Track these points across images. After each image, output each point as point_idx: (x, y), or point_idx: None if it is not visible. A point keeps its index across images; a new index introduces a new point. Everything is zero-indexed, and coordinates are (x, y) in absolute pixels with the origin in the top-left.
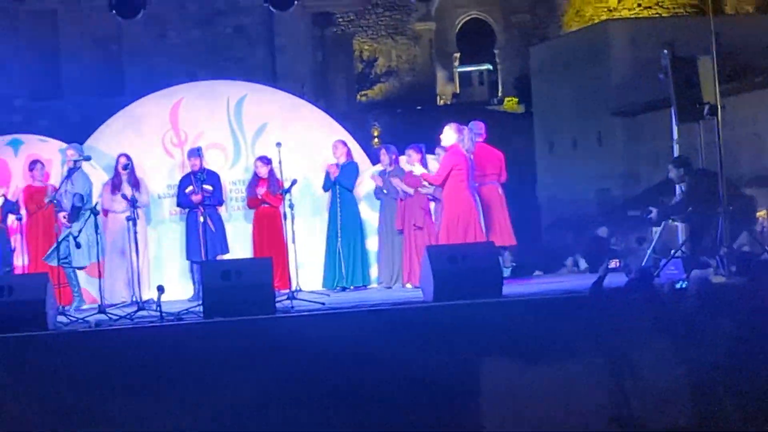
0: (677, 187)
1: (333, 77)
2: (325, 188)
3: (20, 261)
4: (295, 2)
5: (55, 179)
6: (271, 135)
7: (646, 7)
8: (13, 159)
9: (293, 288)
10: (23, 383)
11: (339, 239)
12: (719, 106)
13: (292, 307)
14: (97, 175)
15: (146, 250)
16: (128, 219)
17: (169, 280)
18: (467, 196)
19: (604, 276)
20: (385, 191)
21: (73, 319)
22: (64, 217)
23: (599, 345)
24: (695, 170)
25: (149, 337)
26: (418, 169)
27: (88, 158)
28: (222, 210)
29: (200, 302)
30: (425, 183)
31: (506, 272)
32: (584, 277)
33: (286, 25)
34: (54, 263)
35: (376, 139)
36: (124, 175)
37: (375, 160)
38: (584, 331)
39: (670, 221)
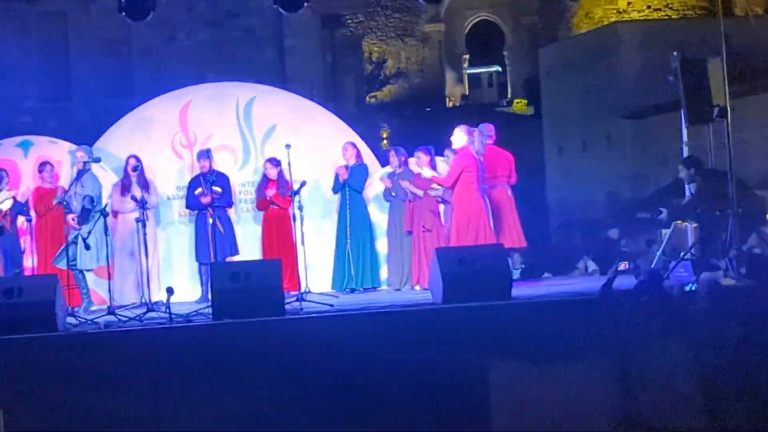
0: (687, 187)
1: (342, 79)
2: (335, 190)
3: (30, 262)
4: (305, 4)
5: (64, 181)
6: (281, 137)
7: (655, 9)
8: (23, 160)
9: (302, 290)
10: (33, 384)
11: (348, 241)
12: (729, 109)
13: (301, 308)
14: (107, 177)
15: (155, 251)
16: (137, 220)
17: (178, 281)
18: (477, 198)
19: (613, 278)
20: (393, 193)
21: (83, 320)
22: (73, 219)
23: (608, 347)
24: (705, 170)
25: (158, 339)
26: (427, 172)
27: (97, 160)
28: (231, 212)
29: (209, 304)
30: (435, 185)
31: (515, 274)
32: (594, 280)
33: (295, 27)
34: (63, 266)
35: (385, 141)
36: (134, 177)
37: (384, 161)
38: (594, 334)
39: (680, 222)
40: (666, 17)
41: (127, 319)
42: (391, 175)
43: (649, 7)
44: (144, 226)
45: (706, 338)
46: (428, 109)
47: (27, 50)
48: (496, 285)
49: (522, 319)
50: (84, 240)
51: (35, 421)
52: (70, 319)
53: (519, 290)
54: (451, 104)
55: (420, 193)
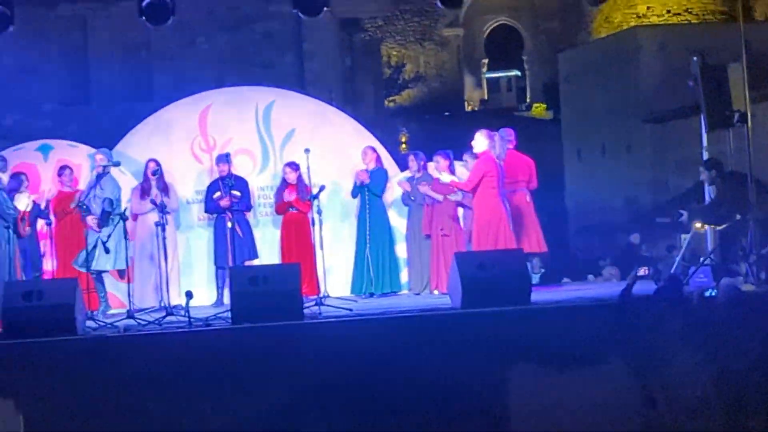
0: (707, 190)
1: (361, 83)
2: (354, 194)
3: (49, 266)
4: (324, 8)
5: (84, 184)
6: (300, 141)
7: (675, 14)
8: (43, 164)
9: (321, 294)
10: (52, 388)
11: (368, 245)
12: (749, 114)
13: (320, 313)
14: (126, 181)
15: (175, 255)
16: (157, 224)
17: (197, 285)
18: (498, 203)
19: (633, 283)
20: (412, 198)
21: (102, 324)
22: (93, 220)
23: (628, 353)
24: (726, 172)
25: (177, 343)
26: (446, 176)
27: (117, 164)
28: (250, 216)
29: (228, 308)
30: (455, 189)
31: (535, 279)
32: (613, 285)
33: (314, 31)
34: (83, 269)
35: (403, 145)
36: (153, 181)
37: (402, 165)
38: (613, 339)
39: (700, 227)
40: (686, 22)
41: (146, 322)
42: (410, 180)
43: (668, 11)
44: (163, 229)
45: (726, 344)
46: (447, 114)
47: (46, 54)
48: (515, 290)
49: (541, 324)
50: (104, 243)
51: (54, 425)
52: (90, 323)
53: (538, 295)
54: (469, 109)
55: (439, 197)
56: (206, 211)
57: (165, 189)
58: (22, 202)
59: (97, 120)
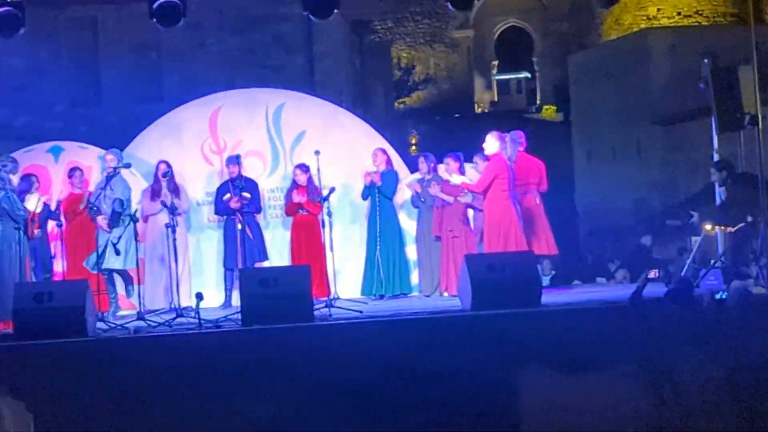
0: (718, 191)
1: (371, 85)
2: (364, 196)
3: (59, 267)
4: (335, 10)
5: (94, 186)
6: (310, 143)
7: (685, 16)
8: (54, 166)
9: (331, 296)
10: (62, 388)
11: (378, 247)
12: (760, 116)
13: (330, 315)
14: (137, 182)
15: (186, 257)
16: (167, 226)
17: (207, 287)
18: (509, 205)
19: (643, 286)
20: (423, 199)
21: (113, 325)
22: (104, 221)
23: (639, 355)
24: (737, 174)
25: (187, 345)
26: (457, 178)
27: (128, 165)
28: (259, 217)
29: (238, 309)
30: (465, 191)
31: (545, 281)
32: (623, 287)
33: (324, 33)
34: (94, 270)
35: (413, 147)
36: (164, 182)
37: (412, 167)
38: (623, 341)
39: (710, 229)
40: (696, 24)
41: (156, 324)
42: (420, 182)
43: (679, 13)
44: (174, 231)
45: (736, 346)
46: (457, 116)
47: (57, 56)
48: (525, 292)
49: (551, 326)
50: (114, 245)
51: (64, 425)
52: (100, 324)
53: (548, 297)
54: (479, 110)
55: (450, 199)
56: (216, 213)
57: (176, 190)
58: (32, 203)
59: (108, 121)
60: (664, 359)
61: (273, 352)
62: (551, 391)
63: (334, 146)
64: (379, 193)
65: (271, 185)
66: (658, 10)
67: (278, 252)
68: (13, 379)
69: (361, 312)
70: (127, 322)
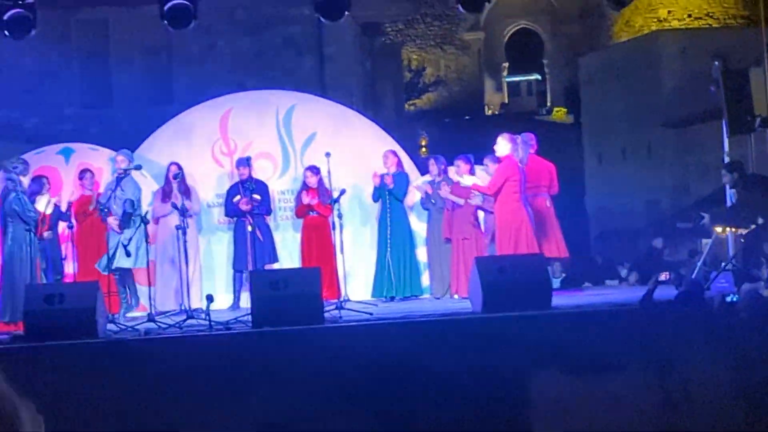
0: (729, 193)
1: (381, 87)
2: (375, 198)
3: (70, 269)
4: (346, 12)
5: (104, 188)
6: (320, 145)
7: (696, 18)
8: (65, 167)
9: (341, 298)
10: (73, 390)
11: (389, 249)
12: None
13: (341, 317)
14: (148, 184)
15: (197, 258)
16: (177, 228)
17: (218, 289)
18: (520, 207)
19: (654, 288)
20: (433, 201)
21: (123, 327)
22: (114, 221)
23: (649, 358)
24: (748, 175)
25: (198, 346)
26: (468, 179)
27: (138, 167)
28: (269, 219)
29: (246, 311)
30: (476, 193)
31: (556, 283)
32: (634, 290)
33: (335, 35)
34: (106, 272)
35: (423, 149)
36: (175, 184)
37: (422, 169)
38: (634, 344)
39: (721, 231)
40: (707, 26)
41: (166, 326)
42: (430, 184)
43: (689, 15)
44: (184, 233)
45: (747, 349)
46: (467, 117)
47: (68, 57)
48: (536, 294)
49: (562, 328)
50: (125, 246)
51: (75, 427)
52: (111, 326)
53: (559, 300)
54: (490, 112)
55: (460, 201)
56: (226, 215)
57: (186, 192)
58: (42, 204)
59: (118, 123)
60: (675, 362)
61: (283, 354)
62: (562, 394)
63: (345, 148)
64: (389, 195)
65: (282, 187)
66: (669, 12)
67: (288, 254)
68: (23, 381)
69: (371, 314)
70: (138, 324)
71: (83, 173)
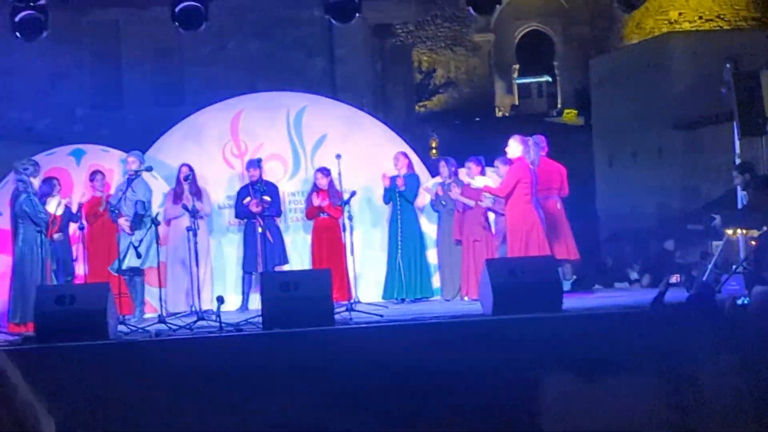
0: (740, 195)
1: (392, 88)
2: (386, 200)
3: (81, 270)
4: (357, 14)
5: (115, 190)
6: (331, 146)
7: (707, 20)
8: (75, 169)
9: (352, 299)
10: (84, 391)
11: (399, 251)
12: None
13: (351, 318)
14: (159, 185)
15: (207, 260)
16: (188, 229)
17: (229, 290)
18: (531, 209)
19: (664, 291)
20: (443, 203)
21: (134, 328)
22: (125, 222)
23: (660, 360)
24: (760, 177)
25: (208, 348)
26: (479, 181)
27: (149, 168)
28: (280, 221)
29: (256, 313)
30: (487, 195)
31: (566, 286)
32: (645, 292)
33: (345, 37)
34: (117, 273)
35: (434, 150)
36: (186, 185)
37: (432, 171)
38: (644, 347)
39: (732, 233)
40: (718, 28)
41: (177, 327)
42: (440, 186)
43: (700, 17)
44: (195, 234)
45: (758, 352)
46: (477, 119)
47: (79, 59)
48: (546, 297)
49: (572, 331)
50: (135, 248)
51: (86, 428)
52: (121, 327)
53: (569, 302)
54: (500, 114)
55: (471, 203)
56: (236, 217)
57: (198, 193)
58: (53, 206)
59: (129, 124)
60: (685, 365)
61: (294, 356)
62: (572, 396)
63: (355, 150)
64: (400, 196)
65: (292, 189)
66: (680, 14)
67: (299, 255)
68: (34, 382)
69: (381, 316)
70: (149, 326)
71: (94, 175)
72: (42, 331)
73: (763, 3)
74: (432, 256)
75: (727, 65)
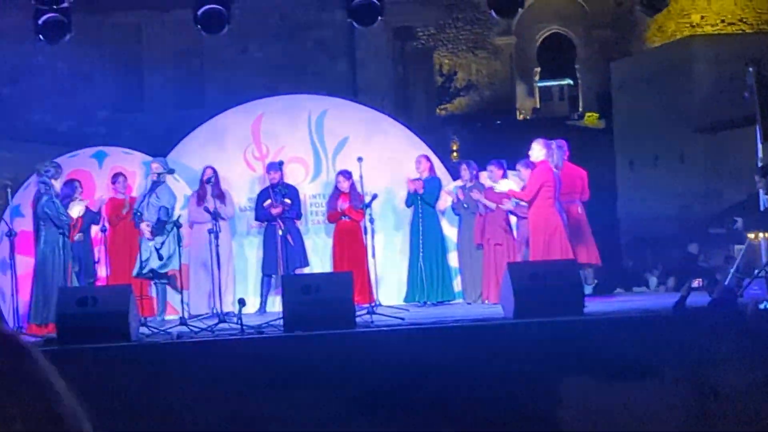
0: (763, 199)
1: (413, 91)
2: (408, 203)
3: (103, 272)
4: (379, 18)
5: (137, 192)
6: (352, 149)
7: (729, 23)
8: (97, 171)
9: (373, 302)
10: (105, 393)
11: (421, 254)
12: None
13: (372, 321)
14: (180, 188)
15: (230, 262)
16: (210, 232)
17: (251, 293)
18: (554, 213)
19: (686, 295)
20: (465, 205)
21: (155, 330)
22: (147, 227)
23: (682, 364)
24: None
25: (229, 350)
26: (504, 185)
27: (171, 171)
28: (300, 223)
29: (277, 316)
30: (510, 198)
31: (588, 290)
32: (667, 296)
33: (367, 39)
34: (140, 277)
35: (454, 153)
36: (208, 188)
37: (453, 174)
38: (666, 351)
39: (754, 237)
40: (740, 32)
41: (198, 329)
42: (462, 189)
43: (722, 21)
44: (216, 237)
45: None
46: (498, 122)
47: (101, 61)
48: (568, 300)
49: (594, 335)
50: (157, 251)
51: (106, 430)
52: (143, 329)
53: (591, 306)
54: (521, 117)
55: (493, 205)
56: (256, 219)
57: (221, 196)
58: (76, 211)
59: (150, 127)
60: (707, 368)
61: (315, 359)
62: (593, 400)
63: (377, 153)
64: (421, 200)
65: (313, 191)
66: (702, 17)
67: (319, 258)
68: None
69: (403, 319)
70: (170, 328)
71: (116, 177)
72: (63, 333)
73: None
74: (453, 259)
75: (750, 69)
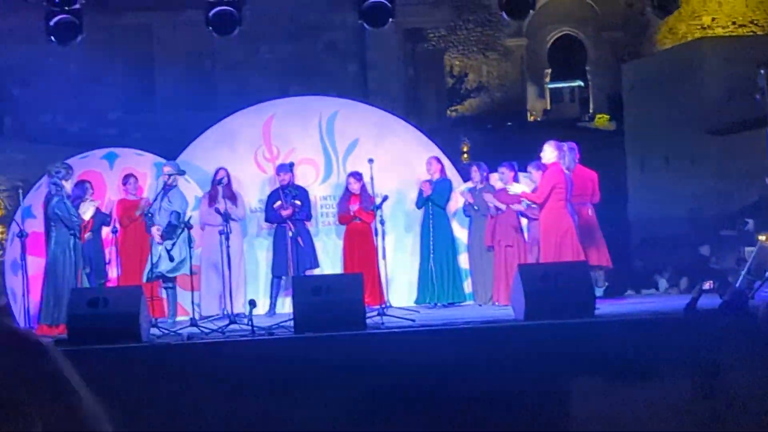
0: None
1: (424, 93)
2: (419, 205)
3: (114, 273)
4: (390, 19)
5: (148, 193)
6: (363, 151)
7: (740, 25)
8: (108, 172)
9: (384, 304)
10: (115, 394)
11: (431, 256)
12: None
13: (383, 323)
14: (191, 189)
15: (241, 264)
16: (221, 233)
17: (262, 294)
18: (565, 215)
19: (697, 297)
20: (476, 207)
21: (166, 331)
22: (157, 231)
23: (692, 367)
24: None
25: (240, 351)
26: (517, 187)
27: (182, 173)
28: (310, 225)
29: (288, 317)
30: (520, 199)
31: (598, 292)
32: (678, 298)
33: (377, 41)
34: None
35: (465, 155)
36: (219, 189)
37: (464, 176)
38: (677, 353)
39: (765, 239)
40: (751, 34)
41: (209, 331)
42: (472, 190)
43: (734, 23)
44: (227, 238)
45: None
46: (509, 124)
47: (112, 62)
48: (578, 302)
49: (605, 336)
50: (168, 252)
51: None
52: (154, 331)
53: (602, 308)
54: (532, 119)
55: (502, 206)
56: (266, 221)
57: (232, 197)
58: (85, 209)
59: (161, 128)
60: (719, 371)
61: (325, 360)
62: (604, 402)
63: (388, 154)
64: (432, 202)
65: (324, 193)
66: (713, 19)
67: (329, 260)
68: None
69: (413, 320)
70: (181, 329)
71: (127, 178)
72: (74, 334)
73: None
74: (464, 260)
75: (761, 71)
